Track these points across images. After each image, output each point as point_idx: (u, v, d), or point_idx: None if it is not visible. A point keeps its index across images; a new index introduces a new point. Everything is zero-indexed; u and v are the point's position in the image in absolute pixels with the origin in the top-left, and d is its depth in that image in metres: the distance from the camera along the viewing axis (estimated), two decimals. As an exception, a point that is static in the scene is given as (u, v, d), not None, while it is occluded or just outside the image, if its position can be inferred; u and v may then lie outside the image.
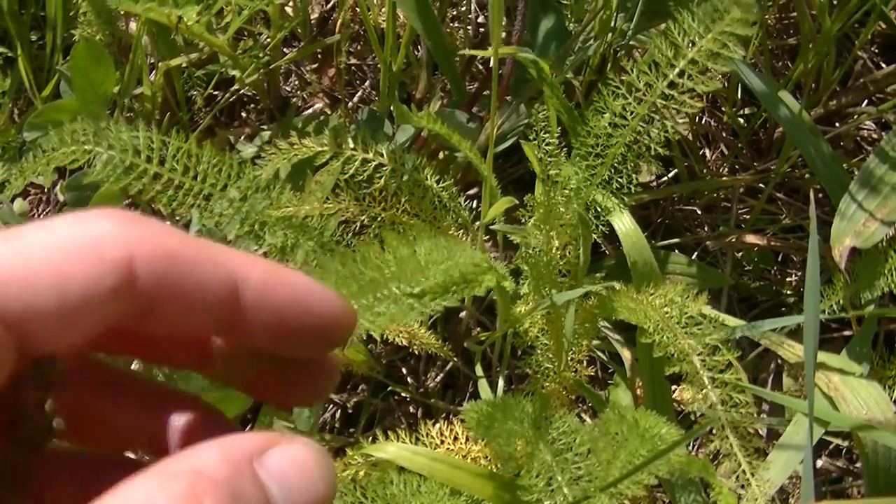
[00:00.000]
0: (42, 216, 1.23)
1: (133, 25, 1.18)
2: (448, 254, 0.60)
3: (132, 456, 0.36)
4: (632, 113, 0.80)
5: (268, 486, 0.28)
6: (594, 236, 0.89)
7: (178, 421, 0.33)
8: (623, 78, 0.81)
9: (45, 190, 1.23)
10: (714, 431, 0.75)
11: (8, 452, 0.30)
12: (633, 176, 0.83)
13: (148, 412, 0.34)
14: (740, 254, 1.20)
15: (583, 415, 1.08)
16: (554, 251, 0.88)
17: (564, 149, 0.87)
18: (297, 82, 1.29)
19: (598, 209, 0.86)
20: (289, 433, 0.30)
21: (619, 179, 0.84)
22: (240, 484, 0.27)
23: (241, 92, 1.25)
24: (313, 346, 0.32)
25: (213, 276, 0.29)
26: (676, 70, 0.78)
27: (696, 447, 1.09)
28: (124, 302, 0.28)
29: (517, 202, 0.88)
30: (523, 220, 0.97)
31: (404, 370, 1.12)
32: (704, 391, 0.75)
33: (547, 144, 0.84)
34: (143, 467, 0.34)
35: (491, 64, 0.89)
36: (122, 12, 1.14)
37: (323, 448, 0.30)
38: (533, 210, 0.87)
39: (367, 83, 1.29)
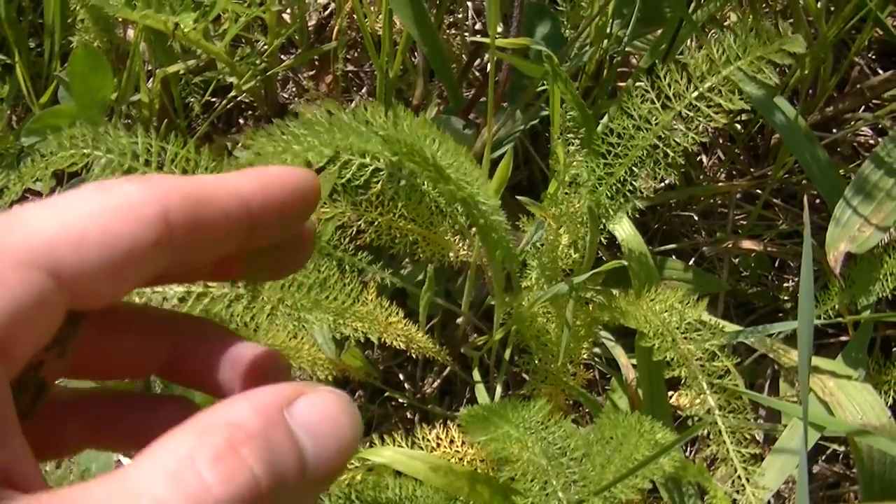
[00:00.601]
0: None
1: (131, 32, 1.18)
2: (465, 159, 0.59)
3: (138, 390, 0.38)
4: (656, 119, 0.80)
5: (297, 434, 0.29)
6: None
7: (196, 345, 0.36)
8: (654, 83, 0.81)
9: (43, 197, 1.23)
10: (711, 436, 0.76)
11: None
12: (651, 182, 0.84)
13: (156, 341, 0.36)
14: (737, 259, 1.20)
15: (579, 420, 1.08)
16: (561, 248, 0.89)
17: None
18: (294, 89, 1.29)
19: (608, 211, 0.86)
20: (311, 382, 0.31)
21: (633, 182, 0.84)
22: (273, 435, 0.29)
23: (239, 99, 1.25)
24: (298, 223, 0.35)
25: (230, 206, 0.31)
26: (708, 84, 0.79)
27: (692, 452, 1.09)
28: (164, 253, 0.30)
29: (510, 193, 0.89)
30: (522, 229, 0.97)
31: (401, 376, 1.12)
32: (703, 396, 0.75)
33: (569, 144, 0.85)
34: (148, 401, 0.36)
35: (487, 70, 0.89)
36: (119, 19, 1.15)
37: (347, 395, 0.32)
38: (547, 205, 0.88)
39: (363, 90, 1.29)
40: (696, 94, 0.79)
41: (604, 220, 0.88)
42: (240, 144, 1.20)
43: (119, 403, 0.36)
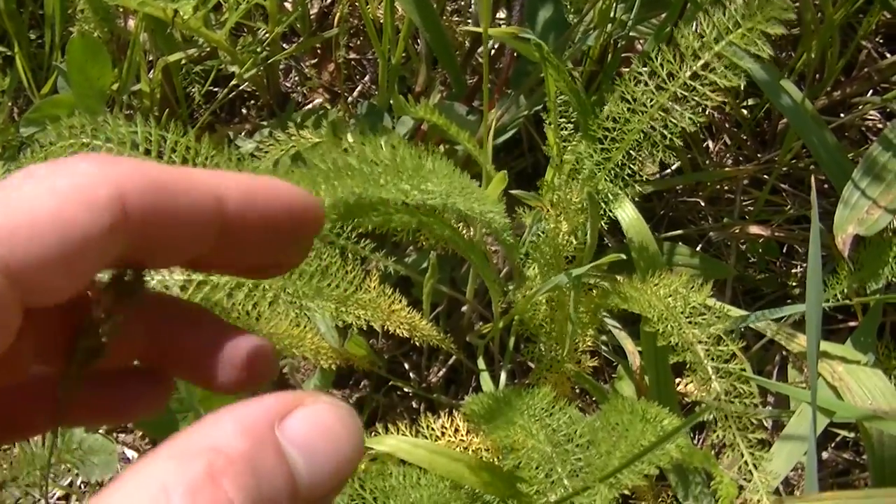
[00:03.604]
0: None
1: (131, 22, 1.17)
2: (455, 174, 0.59)
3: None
4: (651, 101, 0.79)
5: (290, 455, 0.27)
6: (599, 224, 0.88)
7: (177, 330, 0.33)
8: (647, 64, 0.80)
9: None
10: (717, 422, 0.75)
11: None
12: (647, 164, 0.83)
13: (133, 326, 0.33)
14: (744, 245, 1.19)
15: (585, 408, 1.07)
16: (561, 236, 0.88)
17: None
18: (296, 77, 1.29)
19: (608, 196, 0.85)
20: (311, 391, 0.29)
21: (631, 166, 0.83)
22: (261, 458, 0.26)
23: (241, 88, 1.25)
24: (293, 249, 0.33)
25: (199, 197, 0.29)
26: (701, 62, 0.77)
27: (700, 439, 1.08)
28: (120, 239, 0.28)
29: (511, 184, 0.88)
30: (522, 217, 0.96)
31: (406, 365, 1.12)
32: (708, 381, 0.75)
33: (562, 129, 0.84)
34: (116, 374, 0.33)
35: (491, 54, 0.88)
36: (119, 9, 1.14)
37: (348, 406, 0.29)
38: (543, 193, 0.87)
39: (366, 77, 1.28)
40: (689, 73, 0.78)
41: (604, 206, 0.87)
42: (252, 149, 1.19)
43: (126, 380, 0.34)
